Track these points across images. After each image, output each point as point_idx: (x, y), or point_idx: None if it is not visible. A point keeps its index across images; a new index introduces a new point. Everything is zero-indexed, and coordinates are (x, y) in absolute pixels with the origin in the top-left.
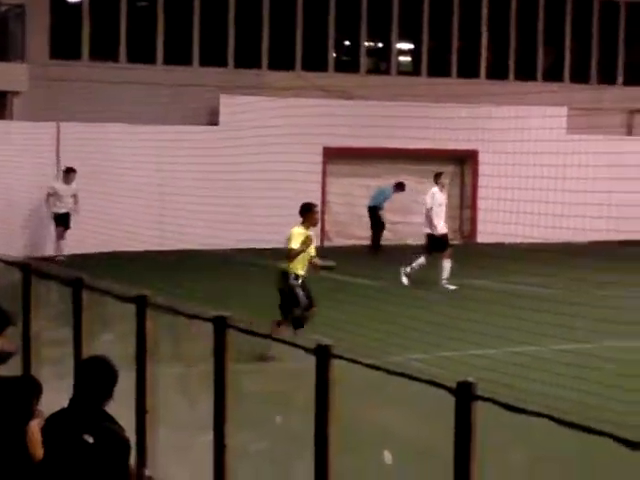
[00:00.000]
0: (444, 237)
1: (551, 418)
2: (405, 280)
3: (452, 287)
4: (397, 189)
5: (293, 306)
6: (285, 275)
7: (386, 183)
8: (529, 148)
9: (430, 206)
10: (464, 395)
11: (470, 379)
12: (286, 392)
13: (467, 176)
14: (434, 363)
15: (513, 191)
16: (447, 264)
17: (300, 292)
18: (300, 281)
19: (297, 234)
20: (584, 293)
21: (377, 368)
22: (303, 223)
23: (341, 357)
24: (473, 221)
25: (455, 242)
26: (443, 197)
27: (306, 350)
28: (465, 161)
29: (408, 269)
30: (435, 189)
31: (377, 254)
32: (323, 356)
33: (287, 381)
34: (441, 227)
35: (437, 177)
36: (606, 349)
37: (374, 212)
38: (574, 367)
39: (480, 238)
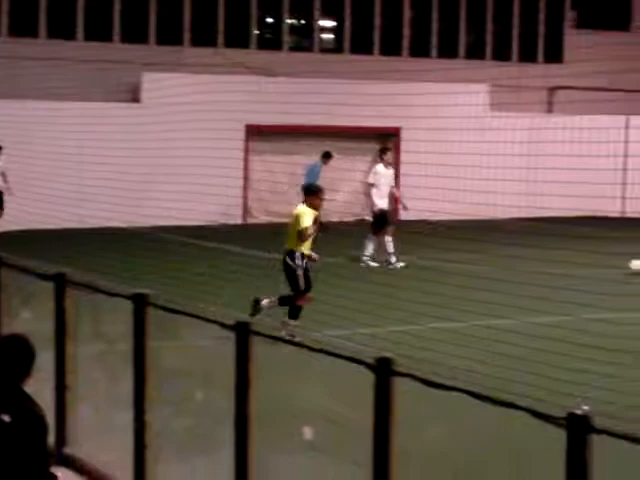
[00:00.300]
0: (383, 214)
1: (469, 393)
2: (378, 263)
3: (374, 264)
4: (326, 159)
5: (291, 287)
6: (292, 254)
7: (314, 159)
8: (451, 125)
9: (372, 182)
10: (383, 371)
11: (389, 355)
12: (208, 369)
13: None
14: (355, 340)
15: (435, 168)
16: (372, 244)
17: (301, 275)
18: (304, 262)
19: (308, 212)
20: (505, 270)
21: (296, 344)
22: (305, 202)
23: (260, 334)
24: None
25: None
26: (388, 174)
27: (225, 327)
28: (387, 138)
29: (386, 257)
30: (379, 166)
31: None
32: (243, 333)
33: (209, 358)
34: (381, 204)
35: (382, 153)
36: (527, 325)
37: None
38: (495, 343)
39: (402, 215)
